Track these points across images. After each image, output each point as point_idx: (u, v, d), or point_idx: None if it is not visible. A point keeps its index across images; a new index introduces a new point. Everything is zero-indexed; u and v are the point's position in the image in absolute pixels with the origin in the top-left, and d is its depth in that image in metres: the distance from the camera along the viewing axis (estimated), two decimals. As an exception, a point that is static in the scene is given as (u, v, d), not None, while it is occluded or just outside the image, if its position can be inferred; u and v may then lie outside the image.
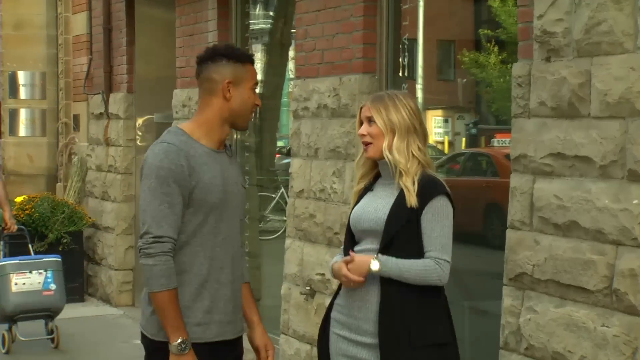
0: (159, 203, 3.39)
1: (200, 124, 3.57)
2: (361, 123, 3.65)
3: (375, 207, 3.56)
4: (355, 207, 3.65)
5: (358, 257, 3.52)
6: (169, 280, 3.39)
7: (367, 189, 3.67)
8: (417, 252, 3.49)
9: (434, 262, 3.48)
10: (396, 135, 3.55)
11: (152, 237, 3.38)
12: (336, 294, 3.71)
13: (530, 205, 4.32)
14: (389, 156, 3.55)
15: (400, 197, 3.52)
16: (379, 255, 3.48)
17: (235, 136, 7.90)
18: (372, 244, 3.55)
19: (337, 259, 3.69)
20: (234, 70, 3.54)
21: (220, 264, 3.54)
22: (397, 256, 3.48)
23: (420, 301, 3.51)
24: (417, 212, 3.48)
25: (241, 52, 3.64)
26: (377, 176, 3.70)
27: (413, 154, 3.54)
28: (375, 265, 3.46)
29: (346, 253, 3.63)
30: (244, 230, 3.77)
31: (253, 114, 3.67)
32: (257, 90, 3.63)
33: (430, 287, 3.52)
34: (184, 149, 3.46)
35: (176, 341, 3.39)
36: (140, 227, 3.46)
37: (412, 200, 3.48)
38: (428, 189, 3.50)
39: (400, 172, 3.53)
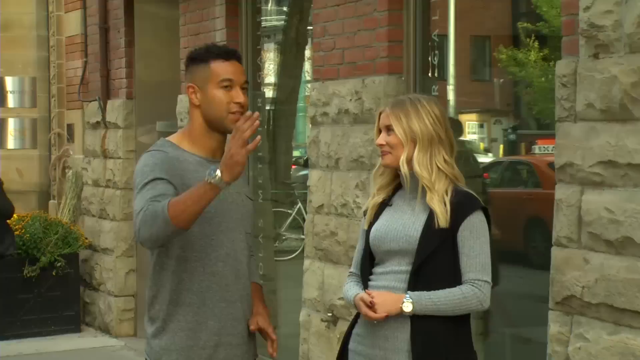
0: (147, 190, 3.38)
1: (186, 135, 3.66)
2: (380, 131, 3.63)
3: (403, 224, 3.53)
4: (376, 225, 3.62)
5: (383, 296, 3.48)
6: (162, 205, 3.28)
7: (385, 203, 3.64)
8: (452, 273, 3.47)
9: (472, 286, 3.45)
10: (417, 146, 3.52)
11: (143, 210, 3.32)
12: (353, 323, 3.68)
13: (578, 220, 4.29)
14: (405, 170, 3.51)
15: (433, 214, 3.49)
16: (410, 293, 3.45)
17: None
18: (400, 265, 3.52)
19: (352, 285, 3.64)
20: (194, 73, 3.60)
21: (225, 280, 3.56)
22: (430, 278, 3.45)
23: (455, 329, 3.49)
24: (452, 230, 3.46)
25: (203, 50, 3.64)
26: (395, 189, 3.66)
27: (438, 167, 3.51)
28: (408, 307, 3.44)
29: (364, 277, 3.60)
30: (251, 244, 3.77)
31: (237, 113, 3.51)
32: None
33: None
34: (171, 154, 3.53)
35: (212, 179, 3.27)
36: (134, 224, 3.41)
37: (442, 222, 3.45)
38: (463, 204, 3.49)
39: (423, 188, 3.50)
